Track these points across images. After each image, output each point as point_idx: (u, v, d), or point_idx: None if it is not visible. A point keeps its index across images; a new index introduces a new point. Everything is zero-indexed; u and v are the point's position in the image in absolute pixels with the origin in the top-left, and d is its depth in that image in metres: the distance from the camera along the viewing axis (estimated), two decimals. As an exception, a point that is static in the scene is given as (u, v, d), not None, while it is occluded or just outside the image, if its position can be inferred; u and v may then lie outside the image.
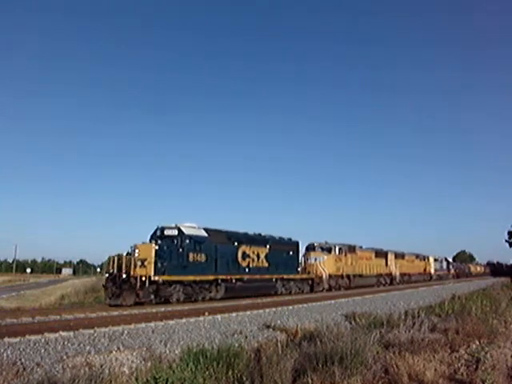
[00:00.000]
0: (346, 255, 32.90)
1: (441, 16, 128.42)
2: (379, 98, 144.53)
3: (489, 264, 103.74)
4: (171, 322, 12.14)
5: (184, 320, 12.63)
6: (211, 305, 18.07)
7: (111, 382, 5.91)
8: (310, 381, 6.08)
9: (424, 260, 53.15)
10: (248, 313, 14.97)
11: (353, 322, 12.41)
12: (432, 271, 55.11)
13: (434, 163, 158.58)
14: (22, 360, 7.43)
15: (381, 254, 40.53)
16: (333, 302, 20.29)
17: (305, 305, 18.45)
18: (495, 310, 14.45)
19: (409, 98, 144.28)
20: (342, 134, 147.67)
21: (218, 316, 13.73)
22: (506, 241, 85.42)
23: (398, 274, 42.79)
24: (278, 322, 12.99)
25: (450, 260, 67.68)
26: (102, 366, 7.09)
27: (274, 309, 16.38)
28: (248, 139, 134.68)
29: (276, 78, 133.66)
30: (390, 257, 42.03)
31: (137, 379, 5.89)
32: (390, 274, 41.39)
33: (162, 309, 16.20)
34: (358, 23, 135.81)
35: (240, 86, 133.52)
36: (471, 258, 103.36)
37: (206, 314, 13.96)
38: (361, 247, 37.36)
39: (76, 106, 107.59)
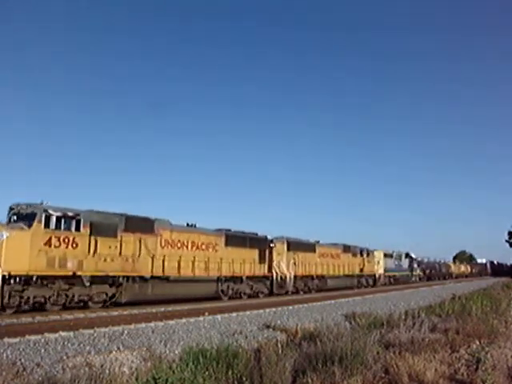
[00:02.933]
0: (111, 235, 16.22)
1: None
2: (374, 88, 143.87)
3: (477, 264, 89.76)
4: (171, 322, 12.15)
5: (184, 320, 12.63)
6: (211, 305, 18.07)
7: (111, 382, 5.90)
8: (309, 381, 6.08)
9: (361, 255, 35.86)
10: (248, 313, 14.98)
11: (353, 322, 12.42)
12: (378, 272, 38.89)
13: (432, 163, 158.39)
14: (22, 360, 7.43)
15: (247, 240, 23.24)
16: (333, 301, 20.32)
17: (305, 305, 18.47)
18: (495, 310, 14.47)
19: (404, 88, 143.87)
20: (333, 126, 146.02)
21: (218, 316, 13.74)
22: (506, 241, 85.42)
23: (291, 275, 25.97)
24: (278, 321, 12.99)
25: (414, 256, 50.65)
26: (102, 366, 7.09)
27: (273, 309, 16.39)
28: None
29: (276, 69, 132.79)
30: (278, 248, 25.53)
31: (137, 379, 5.88)
32: (269, 277, 24.59)
33: (162, 309, 16.20)
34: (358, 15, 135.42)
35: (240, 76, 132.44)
36: (471, 258, 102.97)
37: (206, 314, 13.97)
38: (195, 227, 21.05)
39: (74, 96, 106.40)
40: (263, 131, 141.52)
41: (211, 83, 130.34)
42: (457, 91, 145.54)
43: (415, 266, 50.55)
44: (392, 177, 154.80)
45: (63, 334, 9.68)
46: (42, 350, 8.17)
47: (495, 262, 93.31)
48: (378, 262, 39.23)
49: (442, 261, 67.66)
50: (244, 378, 6.03)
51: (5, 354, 7.69)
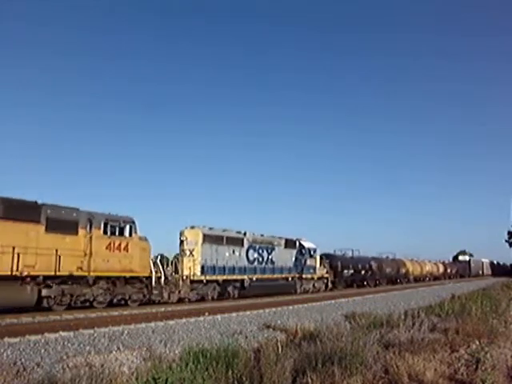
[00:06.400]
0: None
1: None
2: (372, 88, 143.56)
3: (456, 263, 71.15)
4: (171, 322, 12.16)
5: (184, 320, 12.64)
6: (211, 305, 18.08)
7: (111, 381, 5.90)
8: (309, 381, 6.07)
9: (89, 233, 15.66)
10: (248, 313, 14.99)
11: (353, 322, 12.42)
12: (186, 272, 19.84)
13: (431, 163, 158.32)
14: (22, 360, 7.43)
15: None
16: (333, 301, 20.34)
17: (305, 305, 18.48)
18: (495, 310, 14.47)
19: (403, 86, 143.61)
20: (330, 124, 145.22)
21: (218, 316, 13.75)
22: (506, 241, 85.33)
23: None
24: (278, 321, 12.99)
25: (309, 245, 28.57)
26: (102, 366, 7.09)
27: (273, 309, 16.40)
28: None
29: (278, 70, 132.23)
30: None
31: (137, 379, 5.88)
32: None
33: (162, 309, 16.21)
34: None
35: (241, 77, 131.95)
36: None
37: (206, 314, 13.98)
38: None
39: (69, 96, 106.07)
40: (263, 131, 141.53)
41: (211, 83, 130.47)
42: (456, 91, 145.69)
43: (309, 263, 28.17)
44: (392, 177, 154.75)
45: (63, 333, 9.69)
46: (42, 350, 8.17)
47: (495, 262, 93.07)
48: (191, 254, 20.37)
49: (390, 256, 43.90)
50: (244, 378, 6.03)
51: (5, 354, 7.70)
